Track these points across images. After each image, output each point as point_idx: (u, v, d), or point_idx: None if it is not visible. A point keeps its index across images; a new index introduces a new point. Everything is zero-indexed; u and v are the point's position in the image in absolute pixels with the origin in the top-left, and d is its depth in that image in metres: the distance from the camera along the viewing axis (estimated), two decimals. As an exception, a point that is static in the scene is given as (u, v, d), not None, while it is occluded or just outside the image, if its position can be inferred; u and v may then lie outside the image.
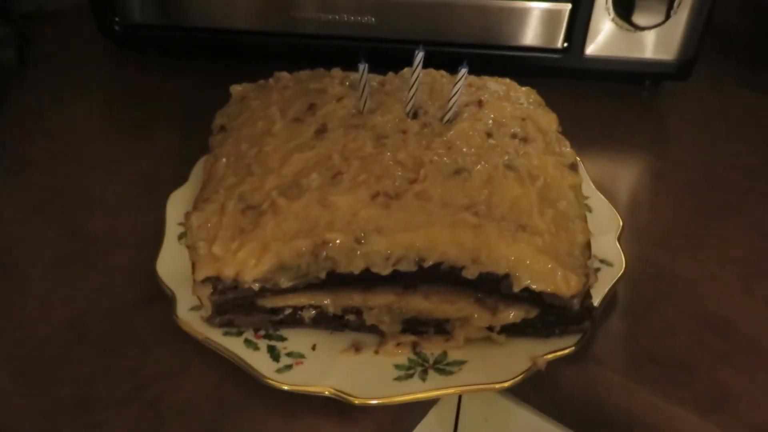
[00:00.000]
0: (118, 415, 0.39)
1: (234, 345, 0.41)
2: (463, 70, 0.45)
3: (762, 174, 0.61)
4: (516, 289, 0.39)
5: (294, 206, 0.40)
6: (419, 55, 0.46)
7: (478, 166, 0.42)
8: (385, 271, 0.39)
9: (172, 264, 0.46)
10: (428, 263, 0.39)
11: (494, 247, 0.38)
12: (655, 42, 0.64)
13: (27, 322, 0.45)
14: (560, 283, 0.38)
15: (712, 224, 0.54)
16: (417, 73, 0.46)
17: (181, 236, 0.49)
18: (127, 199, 0.57)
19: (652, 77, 0.69)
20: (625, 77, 0.70)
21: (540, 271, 0.38)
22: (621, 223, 0.50)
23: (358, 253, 0.38)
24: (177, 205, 0.52)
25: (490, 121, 0.46)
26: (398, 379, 0.40)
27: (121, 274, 0.49)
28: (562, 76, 0.67)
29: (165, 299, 0.45)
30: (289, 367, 0.40)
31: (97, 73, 0.76)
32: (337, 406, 0.39)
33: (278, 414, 0.39)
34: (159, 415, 0.39)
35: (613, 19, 0.63)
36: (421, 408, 0.43)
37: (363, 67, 0.45)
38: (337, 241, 0.38)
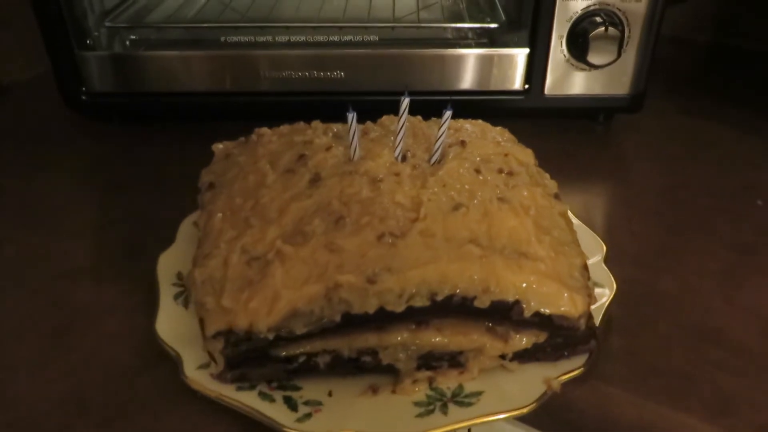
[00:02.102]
0: (135, 485, 0.38)
1: (249, 399, 0.40)
2: (448, 113, 0.47)
3: (718, 191, 0.65)
4: (527, 314, 0.40)
5: (301, 253, 0.41)
6: (405, 102, 0.48)
7: (474, 201, 0.44)
8: (399, 309, 0.39)
9: (171, 325, 0.46)
10: (440, 297, 0.39)
11: (501, 275, 0.40)
12: (609, 79, 0.69)
13: (22, 399, 0.43)
14: (568, 304, 0.40)
15: (685, 242, 0.57)
16: (404, 118, 0.47)
17: (177, 296, 0.48)
18: (108, 265, 0.56)
19: (608, 111, 0.74)
20: (582, 113, 0.75)
21: (548, 295, 0.40)
22: (605, 248, 0.52)
23: (371, 293, 0.39)
24: (167, 266, 0.51)
25: (477, 159, 0.48)
26: (420, 415, 0.40)
27: (113, 341, 0.47)
28: (524, 115, 0.71)
29: (165, 361, 0.44)
30: (308, 415, 0.40)
31: (60, 144, 0.74)
32: (359, 451, 0.39)
33: (301, 465, 0.39)
34: (178, 479, 0.38)
35: (568, 60, 0.67)
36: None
37: (352, 116, 0.47)
38: (350, 283, 0.39)
